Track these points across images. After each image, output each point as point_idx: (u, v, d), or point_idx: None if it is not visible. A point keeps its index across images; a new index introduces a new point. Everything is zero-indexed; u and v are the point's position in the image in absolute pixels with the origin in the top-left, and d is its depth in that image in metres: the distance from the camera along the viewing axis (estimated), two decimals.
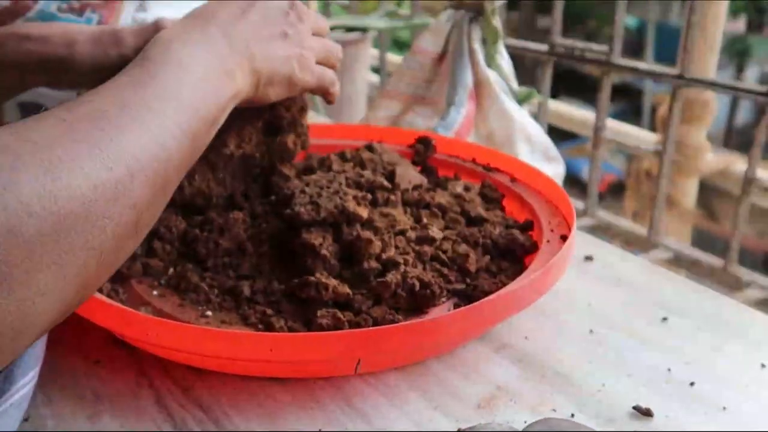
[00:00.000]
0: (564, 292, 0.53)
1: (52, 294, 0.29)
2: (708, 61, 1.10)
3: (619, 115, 2.35)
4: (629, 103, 3.38)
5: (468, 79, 0.83)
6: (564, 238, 0.52)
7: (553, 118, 1.40)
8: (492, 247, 0.54)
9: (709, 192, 1.74)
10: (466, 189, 0.61)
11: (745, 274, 0.93)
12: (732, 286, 0.93)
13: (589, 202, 1.08)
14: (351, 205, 0.50)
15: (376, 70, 1.59)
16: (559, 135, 1.26)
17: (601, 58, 0.98)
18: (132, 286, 0.51)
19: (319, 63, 0.53)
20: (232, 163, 0.56)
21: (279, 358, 0.40)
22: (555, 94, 1.65)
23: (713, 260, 0.97)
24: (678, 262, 0.99)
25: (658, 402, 0.42)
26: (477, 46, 0.84)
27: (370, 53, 1.45)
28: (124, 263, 0.37)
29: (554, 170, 0.85)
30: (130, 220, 0.33)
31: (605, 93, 1.00)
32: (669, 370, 0.45)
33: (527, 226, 0.57)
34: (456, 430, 0.39)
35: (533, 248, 0.54)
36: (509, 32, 1.08)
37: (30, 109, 0.62)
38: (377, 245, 0.49)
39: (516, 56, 0.94)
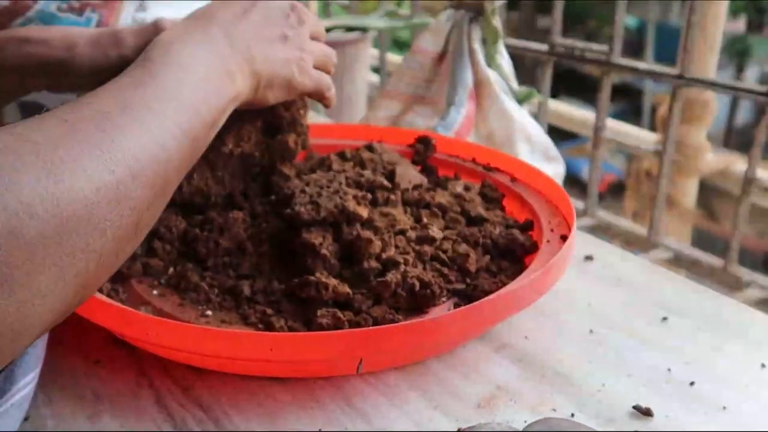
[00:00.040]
0: (564, 292, 0.53)
1: (52, 295, 0.29)
2: (708, 61, 1.10)
3: (619, 115, 2.35)
4: (629, 103, 3.38)
5: (468, 79, 0.83)
6: (564, 238, 0.52)
7: (553, 118, 1.40)
8: (492, 247, 0.54)
9: (709, 192, 1.74)
10: (466, 189, 0.61)
11: (745, 274, 0.93)
12: (732, 286, 0.93)
13: (589, 202, 1.08)
14: (351, 205, 0.50)
15: (376, 70, 1.59)
16: (559, 135, 1.26)
17: (601, 58, 0.98)
18: (132, 285, 0.51)
19: (316, 67, 0.53)
20: (231, 162, 0.56)
21: (279, 357, 0.40)
22: (555, 94, 1.66)
23: (713, 260, 0.97)
24: (678, 262, 0.99)
25: (658, 402, 0.42)
26: (477, 46, 0.84)
27: (370, 53, 1.45)
28: (124, 263, 0.37)
29: (554, 170, 0.85)
30: (131, 221, 0.33)
31: (605, 93, 1.00)
32: (669, 370, 0.45)
33: (527, 226, 0.57)
34: (456, 429, 0.39)
35: (533, 248, 0.54)
36: (509, 32, 1.08)
37: (31, 109, 0.62)
38: (377, 245, 0.49)
39: (516, 56, 0.94)
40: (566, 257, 0.49)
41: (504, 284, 0.49)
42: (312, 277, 0.47)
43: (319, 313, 0.45)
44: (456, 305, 0.48)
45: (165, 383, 0.45)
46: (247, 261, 0.52)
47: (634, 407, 0.42)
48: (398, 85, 0.89)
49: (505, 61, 0.87)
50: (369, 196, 0.52)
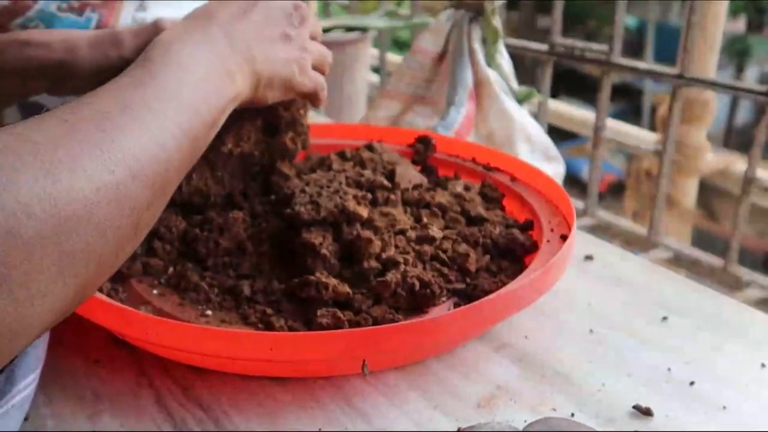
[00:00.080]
0: (564, 292, 0.53)
1: (51, 295, 0.28)
2: (708, 61, 1.10)
3: (619, 115, 2.35)
4: (629, 103, 3.38)
5: (468, 78, 0.83)
6: (564, 237, 0.52)
7: (553, 117, 1.40)
8: (492, 247, 0.54)
9: (709, 192, 1.74)
10: (466, 188, 0.61)
11: (745, 273, 0.93)
12: (732, 285, 0.93)
13: (589, 202, 1.08)
14: (351, 205, 0.50)
15: (376, 70, 1.59)
16: (559, 135, 1.26)
17: (601, 58, 0.98)
18: (132, 285, 0.51)
19: (313, 67, 0.53)
20: (230, 161, 0.56)
21: (279, 357, 0.40)
22: (555, 94, 1.66)
23: (713, 260, 0.97)
24: (678, 261, 0.99)
25: (658, 401, 0.42)
26: (477, 46, 0.84)
27: (370, 53, 1.45)
28: (124, 263, 0.37)
29: (554, 170, 0.85)
30: (130, 222, 0.33)
31: (605, 93, 1.00)
32: (669, 369, 0.45)
33: (527, 226, 0.57)
34: (456, 429, 0.39)
35: (533, 248, 0.54)
36: (509, 32, 1.08)
37: (31, 109, 0.62)
38: (377, 245, 0.49)
39: (516, 56, 0.94)
40: (566, 257, 0.49)
41: (504, 284, 0.49)
42: (312, 277, 0.47)
43: (319, 312, 0.45)
44: (456, 305, 0.48)
45: (165, 383, 0.45)
46: (247, 261, 0.52)
47: (634, 407, 0.42)
48: (398, 85, 0.89)
49: (505, 60, 0.87)
50: (369, 195, 0.53)
